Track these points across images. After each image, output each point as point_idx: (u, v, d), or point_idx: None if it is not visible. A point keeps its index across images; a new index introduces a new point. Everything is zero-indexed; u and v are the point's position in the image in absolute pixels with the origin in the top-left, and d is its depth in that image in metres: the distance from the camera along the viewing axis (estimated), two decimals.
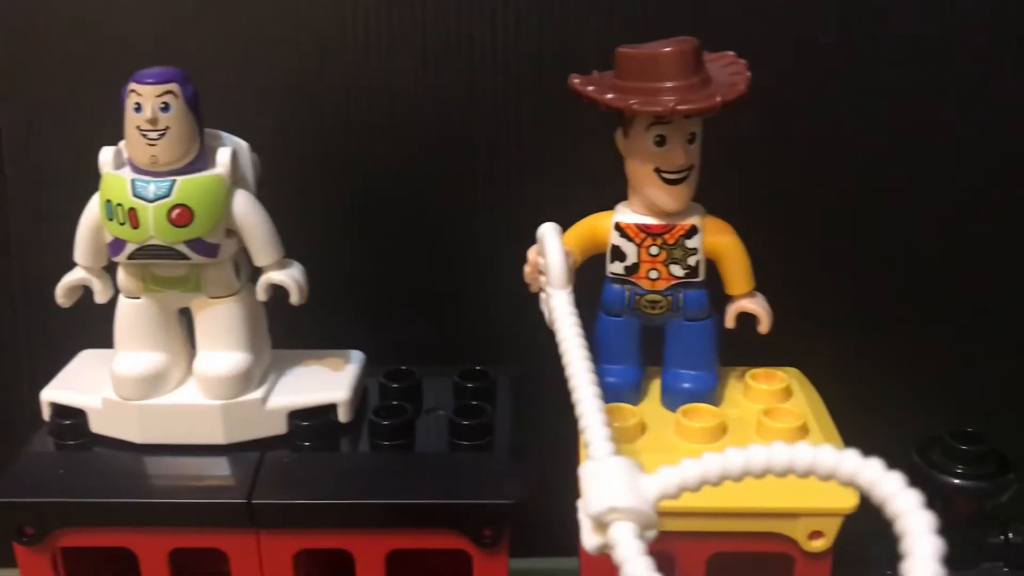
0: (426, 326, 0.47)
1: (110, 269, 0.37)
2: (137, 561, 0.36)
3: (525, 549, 0.41)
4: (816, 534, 0.35)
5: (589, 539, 0.27)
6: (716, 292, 0.40)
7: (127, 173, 0.34)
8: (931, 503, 0.38)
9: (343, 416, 0.37)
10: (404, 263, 0.47)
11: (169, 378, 0.36)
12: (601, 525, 0.27)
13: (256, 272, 0.37)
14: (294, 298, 0.36)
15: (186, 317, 0.37)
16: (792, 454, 0.26)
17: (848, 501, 0.34)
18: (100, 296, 0.36)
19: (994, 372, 0.50)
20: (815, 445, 0.27)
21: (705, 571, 0.36)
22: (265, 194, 0.37)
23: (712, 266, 0.39)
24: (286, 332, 0.40)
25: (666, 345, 0.40)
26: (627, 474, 0.27)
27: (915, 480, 0.37)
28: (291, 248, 0.38)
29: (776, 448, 0.26)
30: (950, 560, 0.38)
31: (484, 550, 0.35)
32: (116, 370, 0.36)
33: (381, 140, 0.46)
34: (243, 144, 0.36)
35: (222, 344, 0.36)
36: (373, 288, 0.48)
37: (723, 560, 0.37)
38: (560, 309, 0.34)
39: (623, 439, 0.37)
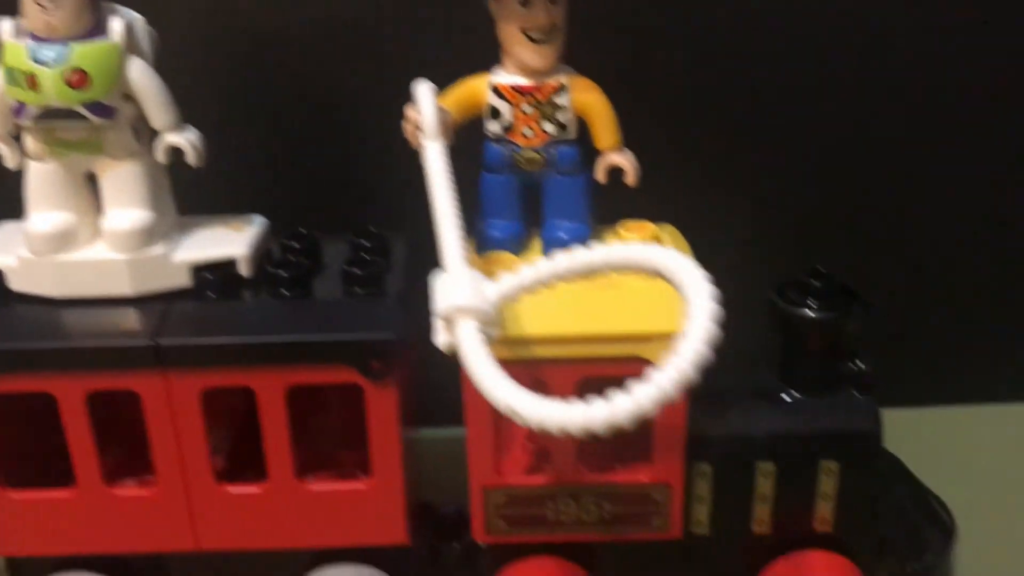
0: (324, 193, 0.50)
1: (18, 138, 0.40)
2: (57, 406, 0.40)
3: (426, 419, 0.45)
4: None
5: (440, 337, 0.31)
6: (590, 153, 0.43)
7: (26, 41, 0.37)
8: (790, 337, 0.42)
9: (244, 270, 0.41)
10: (300, 131, 0.50)
11: (79, 236, 0.39)
12: (449, 323, 0.30)
13: (156, 137, 0.40)
14: (191, 159, 0.39)
15: (93, 183, 0.40)
16: (608, 252, 0.29)
17: None
18: (9, 161, 0.39)
19: (848, 221, 0.56)
20: (633, 243, 0.31)
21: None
22: (163, 64, 0.40)
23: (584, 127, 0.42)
24: (191, 201, 0.43)
25: (544, 200, 0.43)
26: (472, 280, 0.31)
27: (774, 317, 0.42)
28: (190, 118, 0.41)
29: (595, 249, 0.30)
30: (808, 386, 0.42)
31: (374, 382, 0.39)
32: (29, 229, 0.39)
33: (272, 9, 0.48)
34: (138, 17, 0.39)
35: (126, 202, 0.39)
36: (272, 157, 0.51)
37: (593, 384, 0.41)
38: (431, 159, 0.37)
39: None
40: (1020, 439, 0.60)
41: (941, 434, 0.59)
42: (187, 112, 0.40)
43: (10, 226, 0.43)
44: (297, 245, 0.43)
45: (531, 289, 0.33)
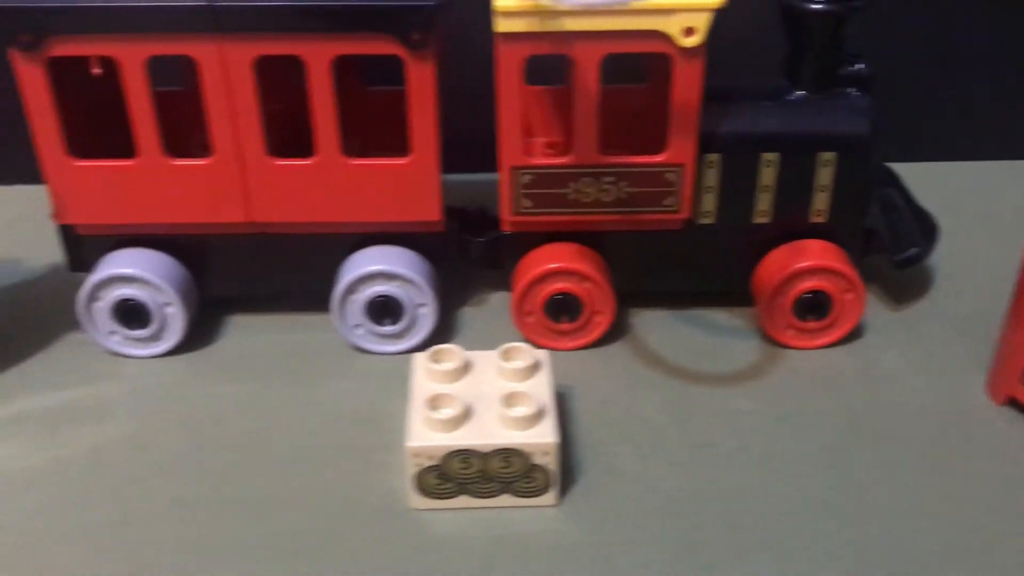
0: None
1: None
2: (120, 71, 0.43)
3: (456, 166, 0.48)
4: (689, 31, 0.42)
5: None
6: None
7: None
8: (798, 36, 0.45)
9: None
10: None
11: None
12: None
13: None
14: None
15: None
16: None
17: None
18: None
19: None
20: None
21: (598, 73, 0.44)
22: None
23: None
24: None
25: None
26: None
27: (786, 13, 0.45)
28: None
29: None
30: (812, 85, 0.46)
31: (414, 52, 0.42)
32: None
33: None
34: None
35: None
36: None
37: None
38: None
39: None
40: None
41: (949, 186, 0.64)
42: None
43: None
44: None
45: None
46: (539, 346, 0.46)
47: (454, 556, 0.38)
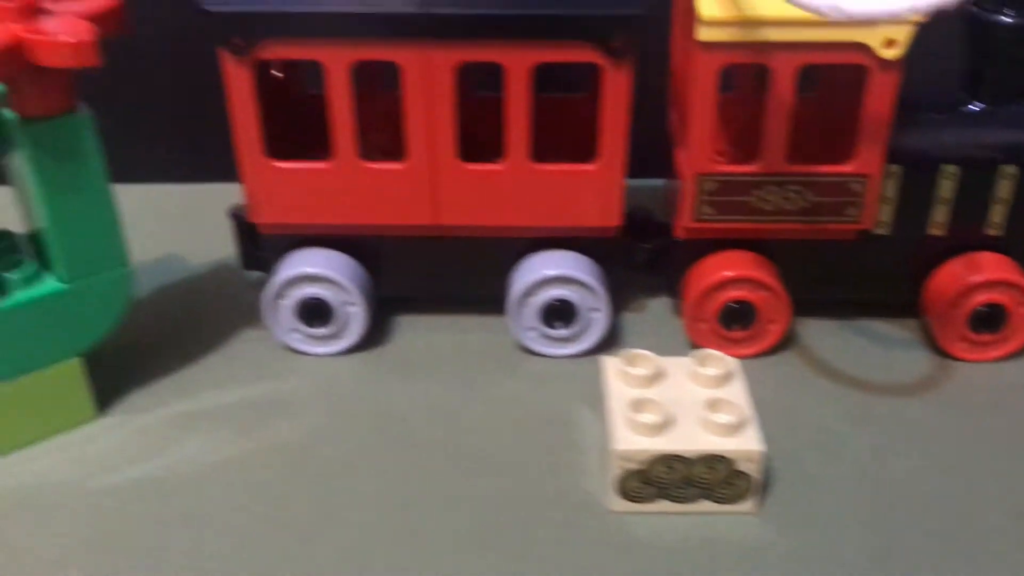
0: None
1: None
2: (325, 73, 0.44)
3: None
4: (891, 43, 0.42)
5: None
6: None
7: None
8: (982, 48, 0.45)
9: None
10: None
11: None
12: None
13: None
14: None
15: None
16: None
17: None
18: None
19: None
20: None
21: (794, 84, 0.44)
22: None
23: None
24: None
25: None
26: None
27: (972, 24, 0.45)
28: None
29: None
30: (994, 97, 0.46)
31: (613, 59, 0.43)
32: None
33: None
34: None
35: None
36: None
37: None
38: None
39: None
40: None
41: None
42: None
43: None
44: None
45: None
46: None
47: (657, 560, 0.39)
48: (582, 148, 0.47)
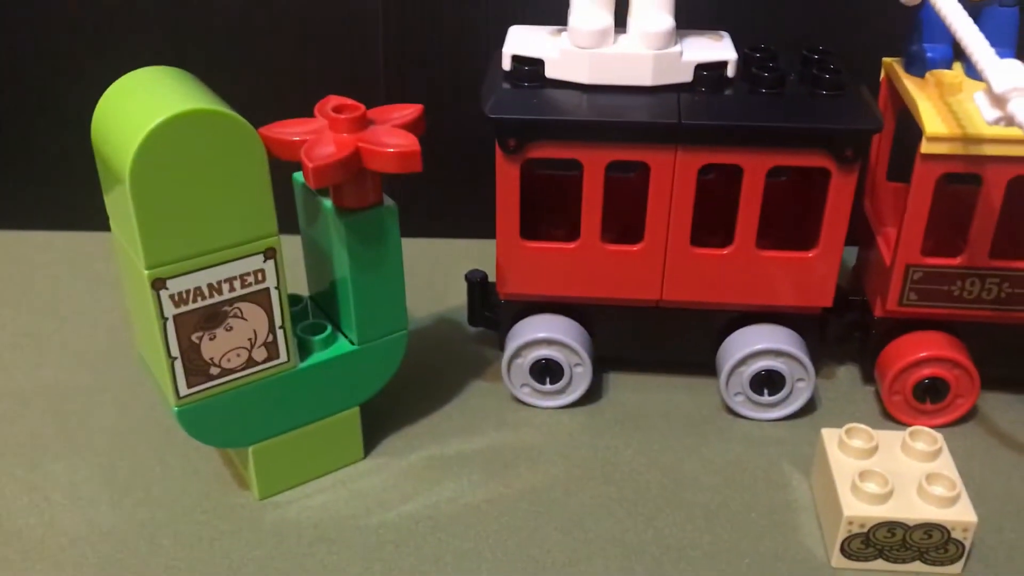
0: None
1: None
2: (581, 171, 0.50)
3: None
4: None
5: (989, 114, 0.39)
6: None
7: None
8: None
9: (731, 71, 0.50)
10: None
11: (610, 35, 0.49)
12: (1000, 101, 0.39)
13: None
14: None
15: None
16: None
17: None
18: None
19: None
20: None
21: (1003, 192, 0.49)
22: None
23: None
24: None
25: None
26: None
27: None
28: None
29: None
30: None
31: (843, 167, 0.48)
32: (576, 24, 0.48)
33: None
34: None
35: (655, 8, 0.48)
36: None
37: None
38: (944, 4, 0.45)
39: None
40: None
41: None
42: None
43: (524, 29, 0.53)
44: (759, 55, 0.51)
45: None
46: (901, 422, 0.52)
47: None
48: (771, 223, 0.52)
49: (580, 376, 0.55)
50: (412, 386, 0.57)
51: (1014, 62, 0.42)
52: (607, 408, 0.56)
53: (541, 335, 0.54)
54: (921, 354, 0.52)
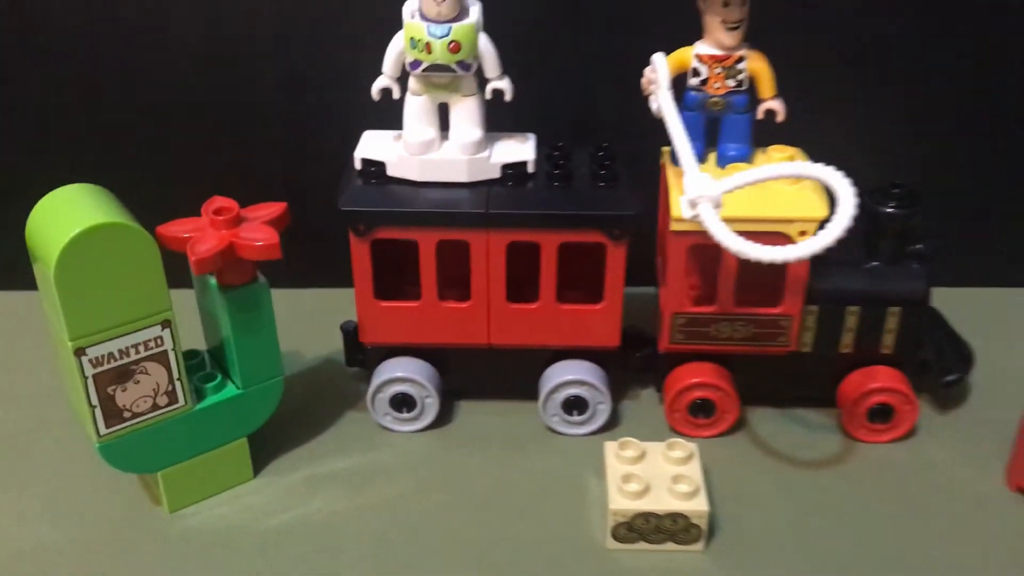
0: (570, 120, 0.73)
1: (402, 79, 0.62)
2: (417, 247, 0.63)
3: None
4: (803, 232, 0.61)
5: (686, 211, 0.53)
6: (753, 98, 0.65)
7: (421, 22, 0.59)
8: (875, 227, 0.64)
9: (531, 168, 0.64)
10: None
11: (435, 144, 0.63)
12: (692, 204, 0.53)
13: (485, 82, 0.63)
14: (507, 97, 0.61)
15: (444, 112, 0.63)
16: (787, 166, 0.52)
17: (822, 212, 0.61)
18: (396, 93, 0.61)
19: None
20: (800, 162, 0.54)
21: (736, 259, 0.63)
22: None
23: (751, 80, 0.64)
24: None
25: (721, 131, 0.65)
26: (708, 178, 0.53)
27: (865, 213, 0.64)
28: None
29: (779, 165, 0.52)
30: (885, 258, 0.64)
31: (615, 242, 0.62)
32: (408, 138, 0.62)
33: None
34: (479, 3, 0.61)
35: (468, 124, 0.62)
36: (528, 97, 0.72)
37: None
38: (664, 101, 0.59)
39: None
40: None
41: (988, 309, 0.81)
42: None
43: (375, 134, 0.67)
44: (556, 153, 0.65)
45: (742, 186, 0.55)
46: (682, 434, 0.66)
47: None
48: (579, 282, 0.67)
49: (430, 406, 0.68)
50: (297, 416, 0.70)
51: (705, 175, 0.56)
52: (455, 430, 0.70)
53: (398, 374, 0.67)
54: (692, 380, 0.67)
